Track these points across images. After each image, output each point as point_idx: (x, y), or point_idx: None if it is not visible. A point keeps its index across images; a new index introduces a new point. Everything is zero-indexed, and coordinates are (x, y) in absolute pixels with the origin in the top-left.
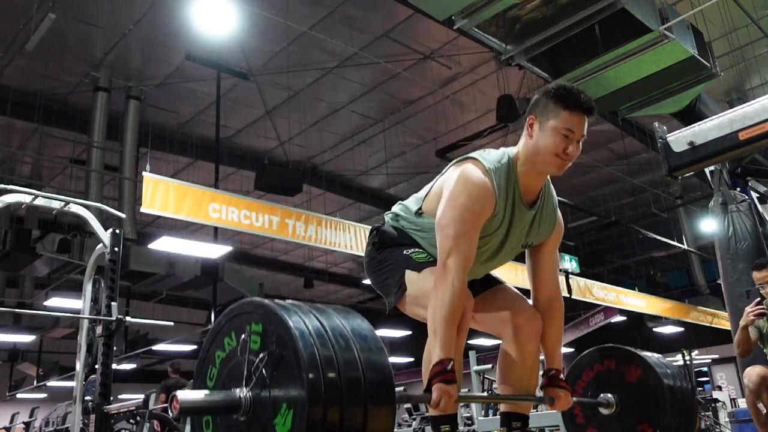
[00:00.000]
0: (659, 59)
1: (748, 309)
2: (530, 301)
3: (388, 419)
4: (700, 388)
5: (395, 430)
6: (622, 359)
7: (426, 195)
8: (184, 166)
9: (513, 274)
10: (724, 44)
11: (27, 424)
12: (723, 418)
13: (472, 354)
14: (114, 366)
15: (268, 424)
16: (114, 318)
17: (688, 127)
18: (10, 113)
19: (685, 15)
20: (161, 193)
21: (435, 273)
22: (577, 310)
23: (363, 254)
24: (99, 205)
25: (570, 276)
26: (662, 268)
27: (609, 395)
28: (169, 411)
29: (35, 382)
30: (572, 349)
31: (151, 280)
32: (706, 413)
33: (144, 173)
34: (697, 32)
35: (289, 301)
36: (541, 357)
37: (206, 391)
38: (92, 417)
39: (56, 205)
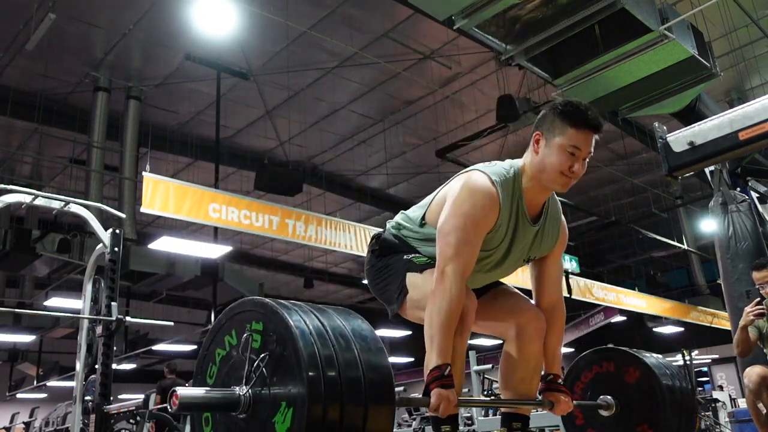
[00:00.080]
0: (659, 59)
1: (747, 309)
2: (533, 301)
3: (387, 419)
4: (700, 388)
5: (395, 430)
6: (621, 361)
7: (429, 204)
8: (184, 166)
9: (513, 274)
10: (724, 44)
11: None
12: (723, 418)
13: (472, 354)
14: (114, 366)
15: (267, 423)
16: (114, 318)
17: (688, 127)
18: (10, 113)
19: (685, 15)
20: (161, 193)
21: (434, 278)
22: (577, 310)
23: (363, 254)
24: (99, 205)
25: (570, 276)
26: (662, 268)
27: (608, 397)
28: (168, 408)
29: (35, 382)
30: (572, 349)
31: (151, 280)
32: (706, 413)
33: (144, 173)
34: (697, 32)
35: (291, 301)
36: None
37: (206, 388)
38: (92, 417)
39: (56, 205)
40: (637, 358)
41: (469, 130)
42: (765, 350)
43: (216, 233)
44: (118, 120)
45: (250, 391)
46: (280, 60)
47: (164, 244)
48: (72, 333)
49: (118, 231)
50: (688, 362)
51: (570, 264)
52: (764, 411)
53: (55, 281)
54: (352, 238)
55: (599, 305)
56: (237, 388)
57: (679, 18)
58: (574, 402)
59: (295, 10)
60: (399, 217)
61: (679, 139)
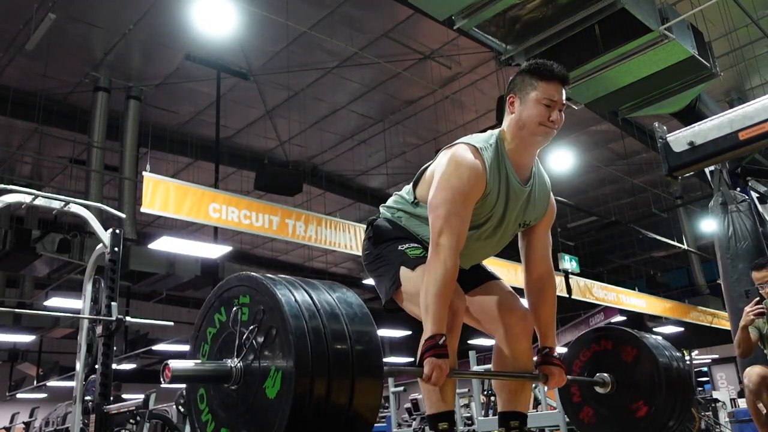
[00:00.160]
0: (659, 59)
1: (747, 309)
2: (522, 300)
3: (375, 390)
4: (700, 388)
5: (395, 430)
6: (619, 339)
7: (419, 182)
8: (184, 166)
9: (513, 274)
10: (724, 44)
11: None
12: (723, 418)
13: (472, 354)
14: (114, 366)
15: (259, 390)
16: (114, 318)
17: (688, 127)
18: (10, 113)
19: (685, 15)
20: (161, 193)
21: (428, 256)
22: (577, 310)
23: (363, 261)
24: (99, 205)
25: (570, 276)
26: (662, 268)
27: (605, 374)
28: (161, 379)
29: (35, 382)
30: None
31: (151, 280)
32: (706, 413)
33: (144, 173)
34: (697, 32)
35: (278, 275)
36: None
37: (198, 361)
38: (92, 417)
39: (56, 205)
40: (634, 336)
41: (469, 130)
42: (765, 350)
43: (216, 233)
44: (118, 120)
45: (241, 363)
46: (280, 60)
47: (164, 244)
48: (72, 333)
49: (118, 231)
50: (688, 362)
51: (570, 264)
52: (764, 411)
53: (55, 281)
54: (352, 238)
55: (599, 305)
56: (229, 360)
57: (679, 18)
58: (570, 377)
59: (295, 10)
60: (392, 199)
61: (679, 139)
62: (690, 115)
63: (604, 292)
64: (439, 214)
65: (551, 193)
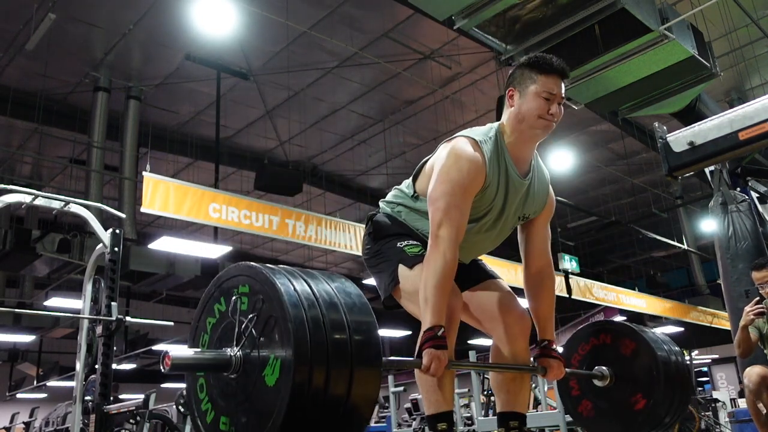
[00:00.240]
0: (659, 59)
1: (747, 308)
2: (521, 300)
3: (373, 380)
4: (700, 388)
5: (395, 430)
6: (618, 333)
7: (418, 175)
8: (184, 166)
9: (513, 274)
10: (724, 44)
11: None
12: (723, 418)
13: (472, 354)
14: (114, 366)
15: (258, 378)
16: (114, 318)
17: (688, 127)
18: (10, 113)
19: (685, 15)
20: (161, 193)
21: (428, 249)
22: (577, 310)
23: (363, 257)
24: (99, 205)
25: (570, 276)
26: (662, 268)
27: (603, 367)
28: (161, 368)
29: (35, 382)
30: None
31: (151, 280)
32: (706, 413)
33: (144, 173)
34: (697, 32)
35: (278, 265)
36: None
37: (198, 349)
38: (92, 417)
39: (56, 205)
40: (633, 330)
41: None
42: (765, 350)
43: (216, 233)
44: (118, 120)
45: (240, 351)
46: (280, 60)
47: (164, 244)
48: (72, 333)
49: (118, 231)
50: (688, 362)
51: (570, 264)
52: (764, 411)
53: (55, 281)
54: (352, 238)
55: (599, 305)
56: (228, 349)
57: (679, 18)
58: (569, 371)
59: (295, 10)
60: (392, 194)
61: (679, 139)
62: (690, 115)
63: (604, 292)
64: (438, 206)
65: (550, 187)
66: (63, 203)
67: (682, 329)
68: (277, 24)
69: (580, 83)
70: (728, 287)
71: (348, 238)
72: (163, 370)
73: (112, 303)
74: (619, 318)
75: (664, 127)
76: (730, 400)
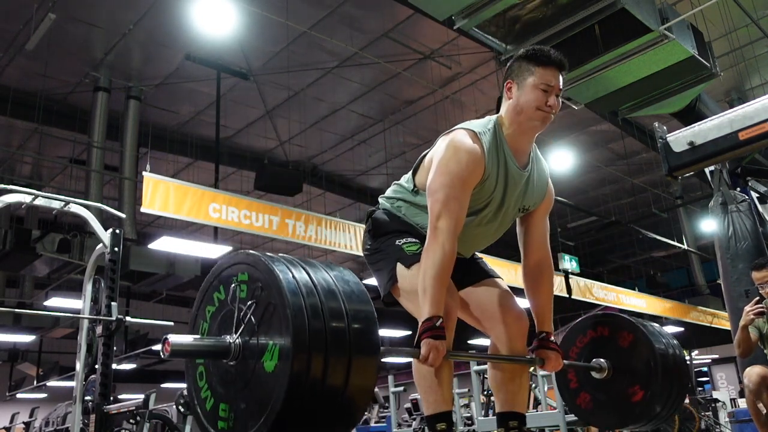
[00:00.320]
0: (659, 59)
1: (747, 308)
2: (517, 300)
3: (371, 368)
4: (700, 388)
5: (395, 430)
6: (616, 325)
7: (418, 168)
8: (184, 166)
9: (513, 274)
10: (724, 44)
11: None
12: (723, 418)
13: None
14: (114, 366)
15: (257, 365)
16: (114, 318)
17: (688, 127)
18: (10, 113)
19: (685, 15)
20: (161, 193)
21: (426, 240)
22: (577, 310)
23: (363, 254)
24: (99, 205)
25: (570, 276)
26: (662, 268)
27: (601, 360)
28: (161, 353)
29: (35, 382)
30: None
31: (151, 280)
32: (706, 413)
33: (144, 173)
34: (697, 32)
35: (278, 254)
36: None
37: (198, 336)
38: (92, 417)
39: (56, 205)
40: (631, 323)
41: None
42: (765, 350)
43: (216, 233)
44: (118, 120)
45: (239, 338)
46: (280, 60)
47: (164, 244)
48: (72, 333)
49: (118, 231)
50: (687, 362)
51: (570, 264)
52: (764, 411)
53: (55, 281)
54: (352, 238)
55: (599, 305)
56: (227, 336)
57: (679, 18)
58: (567, 362)
59: (295, 10)
60: (392, 189)
61: (679, 139)
62: (690, 115)
63: (604, 292)
64: (437, 198)
65: (549, 179)
66: (63, 203)
67: (682, 329)
68: (277, 24)
69: (580, 83)
70: (728, 287)
71: (348, 238)
72: (162, 356)
73: (112, 303)
74: None
75: (664, 127)
76: (730, 400)
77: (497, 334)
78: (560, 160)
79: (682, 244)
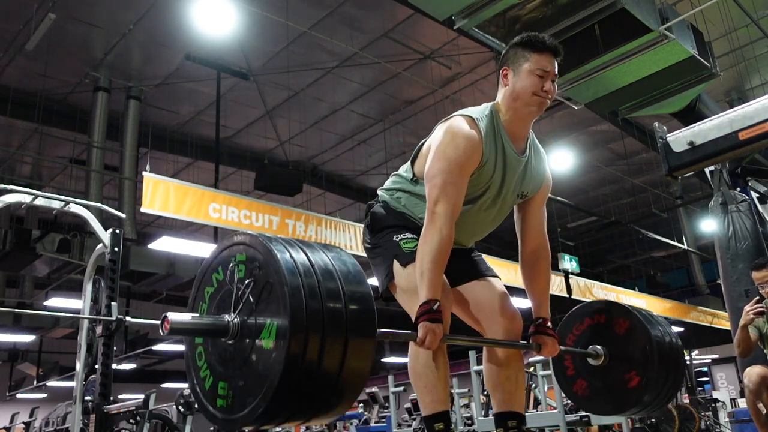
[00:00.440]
0: (659, 59)
1: (747, 308)
2: (512, 301)
3: (368, 349)
4: (700, 388)
5: (395, 430)
6: (612, 313)
7: (416, 157)
8: (184, 166)
9: (513, 275)
10: (724, 44)
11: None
12: (723, 418)
13: (472, 354)
14: (114, 366)
15: (255, 343)
16: (114, 318)
17: (688, 127)
18: (10, 113)
19: (685, 15)
20: (161, 193)
21: (424, 225)
22: None
23: (363, 254)
24: (99, 205)
25: (570, 276)
26: (662, 268)
27: (598, 346)
28: (160, 331)
29: (35, 382)
30: None
31: (151, 280)
32: (706, 413)
33: (144, 173)
34: (697, 32)
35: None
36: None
37: (197, 314)
38: (92, 417)
39: (56, 205)
40: (626, 309)
41: None
42: (765, 350)
43: (216, 233)
44: (118, 120)
45: (237, 317)
46: (280, 60)
47: (164, 244)
48: (72, 333)
49: (118, 231)
50: (688, 362)
51: (570, 264)
52: (764, 411)
53: (55, 281)
54: (352, 238)
55: None
56: (226, 315)
57: (679, 18)
58: (563, 348)
59: (295, 10)
60: (391, 180)
61: (679, 139)
62: (690, 115)
63: (604, 292)
64: (435, 183)
65: (548, 166)
66: (63, 203)
67: (682, 329)
68: (277, 24)
69: (580, 83)
70: (728, 287)
71: (348, 238)
72: (162, 333)
73: (112, 303)
74: None
75: (664, 127)
76: (730, 400)
77: (492, 333)
78: (560, 160)
79: (682, 244)
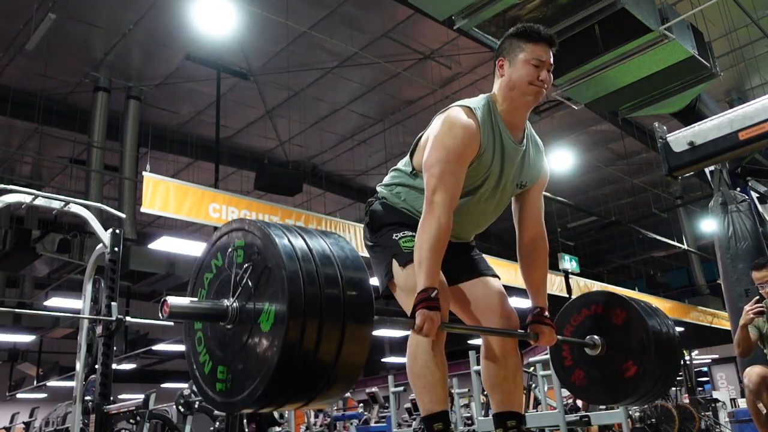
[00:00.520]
0: (659, 59)
1: (747, 307)
2: (513, 300)
3: (365, 334)
4: (700, 388)
5: (395, 430)
6: (609, 303)
7: (415, 150)
8: (184, 166)
9: (513, 275)
10: (724, 44)
11: (27, 424)
12: (723, 418)
13: (472, 354)
14: (114, 366)
15: (254, 326)
16: (114, 318)
17: (688, 127)
18: (10, 113)
19: (685, 15)
20: (161, 193)
21: (422, 215)
22: None
23: (363, 254)
24: (99, 205)
25: (570, 276)
26: (662, 268)
27: (595, 336)
28: (160, 314)
29: (35, 382)
30: None
31: (151, 280)
32: (706, 413)
33: (144, 173)
34: (697, 32)
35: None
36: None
37: (196, 299)
38: (92, 417)
39: (56, 205)
40: (623, 300)
41: None
42: (765, 350)
43: None
44: (118, 120)
45: (236, 302)
46: (280, 60)
47: (164, 244)
48: (72, 333)
49: (118, 231)
50: (688, 362)
51: (570, 264)
52: (764, 411)
53: (55, 281)
54: (352, 238)
55: None
56: (225, 300)
57: (679, 18)
58: (561, 338)
59: (295, 10)
60: (390, 175)
61: (679, 139)
62: (690, 115)
63: None
64: (433, 172)
65: (545, 159)
66: (63, 203)
67: (682, 329)
68: (277, 24)
69: (580, 83)
70: (728, 287)
71: (348, 238)
72: (161, 317)
73: (112, 303)
74: None
75: (664, 127)
76: (730, 400)
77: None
78: (560, 160)
79: (682, 244)
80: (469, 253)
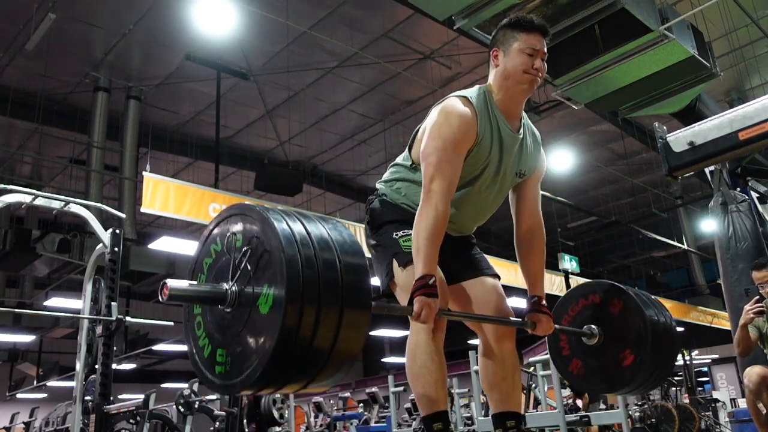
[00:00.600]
0: (659, 59)
1: (747, 307)
2: (512, 301)
3: (362, 321)
4: (700, 388)
5: (395, 430)
6: (606, 293)
7: (413, 142)
8: (184, 166)
9: (513, 275)
10: (724, 44)
11: (27, 424)
12: (723, 418)
13: (471, 354)
14: (114, 366)
15: (253, 309)
16: (114, 318)
17: (688, 127)
18: (10, 113)
19: (685, 15)
20: (161, 193)
21: (420, 203)
22: None
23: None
24: (99, 205)
25: (570, 276)
26: (662, 268)
27: (593, 326)
28: (159, 297)
29: (35, 382)
30: None
31: (151, 280)
32: (706, 413)
33: (144, 173)
34: (697, 32)
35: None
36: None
37: (195, 282)
38: (92, 417)
39: (56, 205)
40: (620, 289)
41: None
42: (765, 350)
43: None
44: (118, 120)
45: (235, 286)
46: (280, 60)
47: (164, 244)
48: (72, 333)
49: (118, 231)
50: (688, 362)
51: (570, 264)
52: (764, 411)
53: (55, 281)
54: None
55: None
56: (224, 284)
57: (679, 18)
58: (558, 327)
59: (295, 10)
60: (390, 171)
61: (679, 139)
62: (690, 115)
63: None
64: (430, 161)
65: (542, 149)
66: (63, 203)
67: (682, 329)
68: (277, 24)
69: (580, 83)
70: (728, 287)
71: None
72: (161, 299)
73: (112, 303)
74: None
75: (664, 127)
76: (730, 400)
77: (486, 334)
78: (560, 160)
79: (682, 244)
80: (471, 251)
